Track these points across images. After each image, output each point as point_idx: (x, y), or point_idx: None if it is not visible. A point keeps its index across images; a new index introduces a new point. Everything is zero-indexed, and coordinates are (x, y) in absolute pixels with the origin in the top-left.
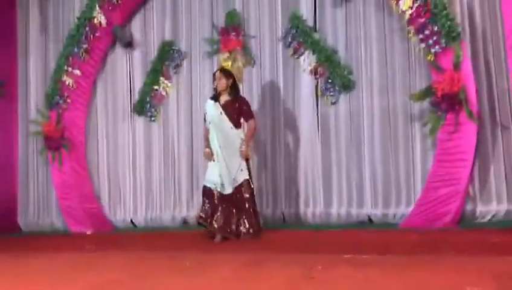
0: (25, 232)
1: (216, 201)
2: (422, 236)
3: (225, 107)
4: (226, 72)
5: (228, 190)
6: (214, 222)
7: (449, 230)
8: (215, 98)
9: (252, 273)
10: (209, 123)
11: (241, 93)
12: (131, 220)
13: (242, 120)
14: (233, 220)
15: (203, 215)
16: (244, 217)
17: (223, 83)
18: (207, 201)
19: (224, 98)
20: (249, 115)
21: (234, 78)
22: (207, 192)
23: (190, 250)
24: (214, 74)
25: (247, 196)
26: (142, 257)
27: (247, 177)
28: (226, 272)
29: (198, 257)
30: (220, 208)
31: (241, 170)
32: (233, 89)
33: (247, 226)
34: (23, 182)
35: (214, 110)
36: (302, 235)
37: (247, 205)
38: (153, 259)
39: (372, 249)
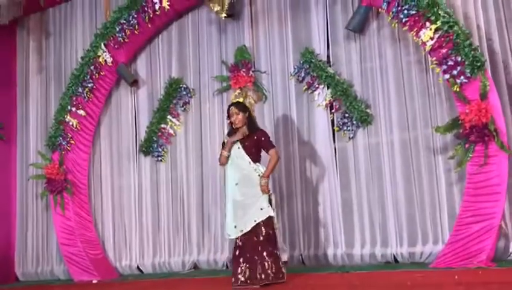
0: (22, 282)
1: (238, 252)
2: (459, 277)
3: (243, 142)
4: (240, 106)
5: (241, 230)
6: (240, 277)
7: (486, 269)
8: (233, 133)
9: None
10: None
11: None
12: (138, 267)
13: (262, 153)
14: (256, 265)
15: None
16: (259, 262)
17: (239, 118)
18: (232, 256)
19: (242, 132)
20: (269, 145)
21: (249, 111)
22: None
23: None
24: (228, 110)
25: (261, 238)
26: None
27: (266, 217)
28: None
29: None
30: (242, 259)
31: (261, 209)
32: (251, 121)
33: (260, 271)
34: (21, 229)
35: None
36: (325, 279)
37: (259, 248)
38: None
39: None
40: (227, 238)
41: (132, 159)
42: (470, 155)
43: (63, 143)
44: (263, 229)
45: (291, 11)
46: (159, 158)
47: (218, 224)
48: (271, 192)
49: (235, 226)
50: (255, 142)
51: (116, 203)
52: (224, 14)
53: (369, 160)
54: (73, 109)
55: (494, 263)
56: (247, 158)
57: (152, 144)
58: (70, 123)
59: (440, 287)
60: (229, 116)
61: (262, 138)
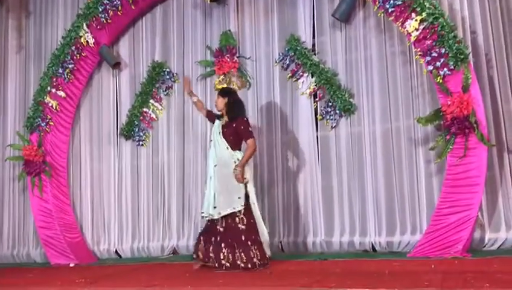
0: None
1: (219, 238)
2: (436, 266)
3: (224, 128)
4: (222, 92)
5: (219, 213)
6: (224, 262)
7: (462, 259)
8: (220, 117)
9: None
10: (211, 141)
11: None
12: (116, 251)
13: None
14: (235, 252)
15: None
16: (240, 250)
17: (218, 102)
18: (203, 230)
19: (225, 118)
20: (246, 135)
21: (231, 97)
22: (206, 223)
23: (182, 284)
24: None
25: (243, 227)
26: None
27: (243, 206)
28: None
29: None
30: (223, 244)
31: (238, 197)
32: (230, 108)
33: (244, 260)
34: None
35: (215, 129)
36: (304, 266)
37: (243, 238)
38: None
39: (389, 281)
40: (209, 216)
41: (113, 142)
42: (451, 147)
43: (42, 124)
44: (244, 217)
45: None
46: (140, 142)
47: (198, 210)
48: (247, 180)
49: (215, 207)
50: (234, 130)
51: (95, 187)
52: None
53: (350, 149)
54: (53, 90)
55: (470, 254)
56: (225, 144)
57: (133, 128)
58: (50, 104)
59: (417, 275)
60: None
61: (242, 127)
